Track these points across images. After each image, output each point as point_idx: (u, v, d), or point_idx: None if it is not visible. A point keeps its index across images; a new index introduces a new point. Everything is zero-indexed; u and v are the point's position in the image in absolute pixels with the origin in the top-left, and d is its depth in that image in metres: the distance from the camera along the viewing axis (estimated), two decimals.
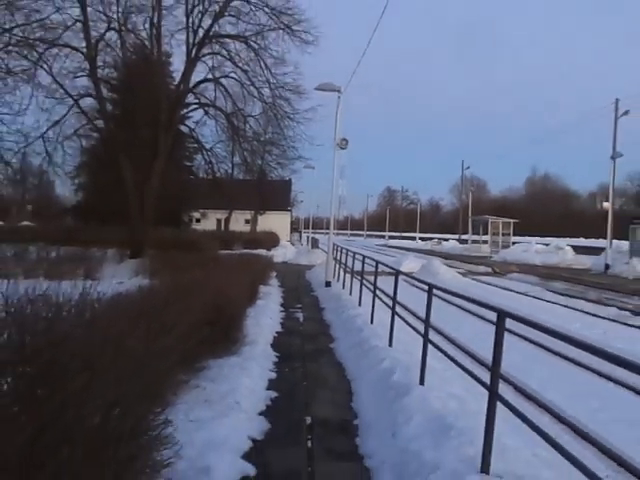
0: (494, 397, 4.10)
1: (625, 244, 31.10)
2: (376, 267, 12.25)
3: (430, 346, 6.27)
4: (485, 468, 4.08)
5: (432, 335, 6.56)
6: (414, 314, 10.53)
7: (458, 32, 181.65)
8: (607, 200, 33.01)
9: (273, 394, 6.79)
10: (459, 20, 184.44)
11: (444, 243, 58.33)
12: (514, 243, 42.01)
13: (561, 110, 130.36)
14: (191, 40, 24.63)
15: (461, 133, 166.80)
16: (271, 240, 41.46)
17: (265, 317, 11.44)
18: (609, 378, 7.81)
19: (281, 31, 24.20)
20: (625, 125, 34.60)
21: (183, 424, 4.85)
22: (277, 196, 47.40)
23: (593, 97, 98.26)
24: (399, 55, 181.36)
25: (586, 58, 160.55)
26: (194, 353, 6.17)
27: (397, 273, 9.32)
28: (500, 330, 4.15)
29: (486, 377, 4.31)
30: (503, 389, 4.29)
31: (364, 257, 14.45)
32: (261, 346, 8.86)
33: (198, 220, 44.77)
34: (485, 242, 47.77)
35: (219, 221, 47.93)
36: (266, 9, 24.14)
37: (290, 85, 25.04)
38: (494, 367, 4.15)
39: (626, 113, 35.32)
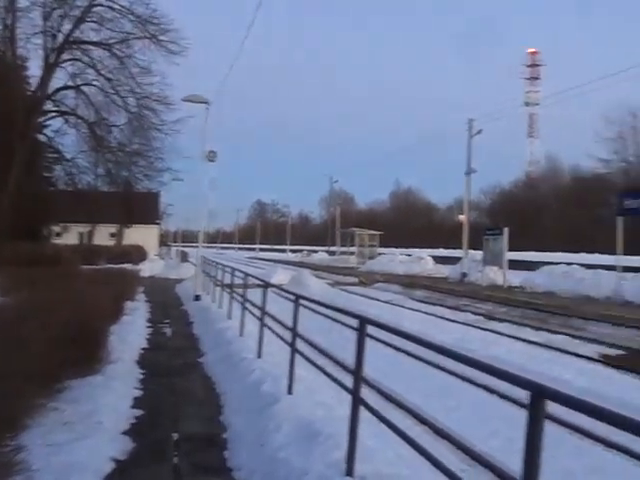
0: (357, 401, 4.26)
1: (480, 254, 33.41)
2: (245, 279, 12.25)
3: (300, 355, 6.37)
4: (350, 471, 4.21)
5: (301, 345, 6.67)
6: (283, 325, 10.62)
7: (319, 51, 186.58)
8: (463, 213, 35.29)
9: (138, 412, 6.56)
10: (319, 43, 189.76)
11: (314, 255, 59.42)
12: (380, 254, 43.67)
13: (422, 125, 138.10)
14: (49, 45, 23.39)
15: (330, 147, 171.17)
16: (138, 254, 40.02)
17: (131, 333, 11.04)
18: (463, 378, 8.33)
19: (147, 40, 23.62)
20: (479, 142, 37.29)
21: (39, 449, 4.56)
22: (144, 209, 45.94)
23: (451, 114, 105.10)
24: (269, 69, 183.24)
25: (442, 77, 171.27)
26: (53, 373, 5.83)
27: (266, 285, 9.39)
28: (362, 336, 4.32)
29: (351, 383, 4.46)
30: (369, 394, 4.46)
31: (233, 270, 14.39)
32: (126, 363, 8.54)
33: (59, 234, 42.21)
34: (353, 253, 49.27)
35: (82, 235, 45.49)
36: (131, 17, 23.50)
37: (157, 95, 24.50)
38: (357, 372, 4.31)
39: (479, 132, 38.14)
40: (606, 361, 10.73)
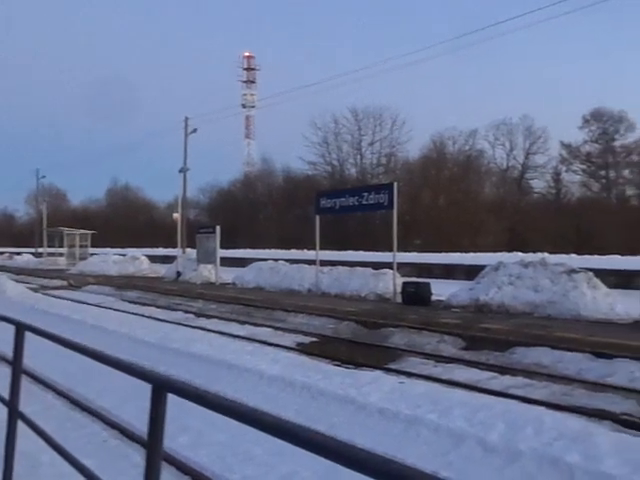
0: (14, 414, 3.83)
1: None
2: None
3: None
4: None
5: None
6: None
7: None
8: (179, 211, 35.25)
9: None
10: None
11: (17, 257, 53.71)
12: (93, 254, 41.35)
13: (144, 123, 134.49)
14: None
15: (38, 140, 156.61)
16: None
17: None
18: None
19: None
20: (199, 142, 37.65)
21: None
22: None
23: (168, 112, 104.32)
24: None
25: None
26: None
27: None
28: (19, 341, 3.91)
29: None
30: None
31: None
32: None
33: None
34: (62, 255, 45.88)
35: None
36: None
37: None
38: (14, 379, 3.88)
39: (194, 131, 38.46)
40: (301, 349, 11.62)
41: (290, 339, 12.82)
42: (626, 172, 53.35)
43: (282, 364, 9.38)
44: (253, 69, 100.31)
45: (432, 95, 68.89)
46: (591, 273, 15.67)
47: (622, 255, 28.85)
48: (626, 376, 9.08)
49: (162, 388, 2.15)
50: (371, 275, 19.82)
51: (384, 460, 1.27)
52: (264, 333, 13.36)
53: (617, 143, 53.48)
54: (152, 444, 2.07)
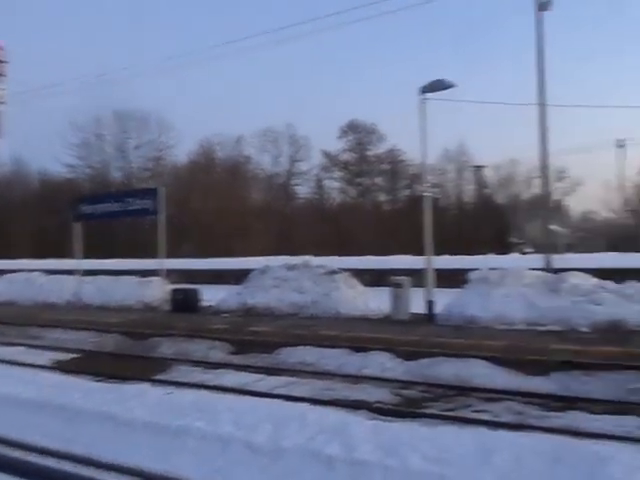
0: None
1: None
2: None
3: None
4: None
5: None
6: None
7: None
8: None
9: None
10: None
11: None
12: None
13: None
14: None
15: None
16: None
17: None
18: None
19: None
20: None
21: None
22: None
23: None
24: None
25: None
26: None
27: None
28: None
29: None
30: None
31: None
32: None
33: None
34: None
35: None
36: None
37: None
38: None
39: None
40: (58, 367, 10.74)
41: (47, 357, 11.79)
42: (379, 179, 58.79)
43: (37, 385, 8.55)
44: (2, 62, 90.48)
45: (200, 99, 68.96)
46: (349, 273, 16.93)
47: (376, 255, 31.61)
48: (379, 367, 9.95)
49: None
50: (137, 283, 19.10)
51: None
52: (16, 352, 12.09)
53: (370, 153, 58.66)
54: None
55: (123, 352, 12.35)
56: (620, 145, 48.32)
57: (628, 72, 70.70)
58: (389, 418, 6.86)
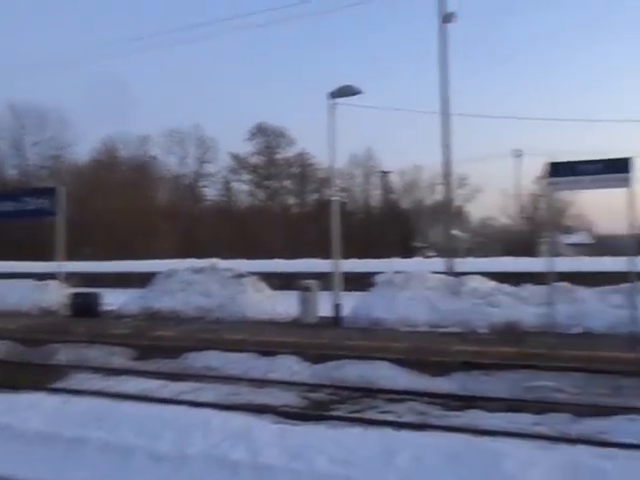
0: None
1: None
2: None
3: None
4: None
5: None
6: None
7: None
8: None
9: None
10: None
11: None
12: None
13: None
14: None
15: None
16: None
17: None
18: None
19: None
20: None
21: None
22: None
23: None
24: None
25: None
26: None
27: None
28: None
29: None
30: None
31: None
32: None
33: None
34: None
35: None
36: None
37: None
38: None
39: None
40: None
41: None
42: (287, 182, 58.93)
43: None
44: None
45: (104, 97, 66.36)
46: (256, 277, 16.84)
47: (284, 259, 31.63)
48: (286, 370, 9.95)
49: None
50: (33, 287, 18.11)
51: None
52: None
53: (279, 156, 58.70)
54: None
55: (16, 360, 11.65)
56: (517, 155, 51.18)
57: (529, 84, 74.87)
58: (295, 422, 6.86)
